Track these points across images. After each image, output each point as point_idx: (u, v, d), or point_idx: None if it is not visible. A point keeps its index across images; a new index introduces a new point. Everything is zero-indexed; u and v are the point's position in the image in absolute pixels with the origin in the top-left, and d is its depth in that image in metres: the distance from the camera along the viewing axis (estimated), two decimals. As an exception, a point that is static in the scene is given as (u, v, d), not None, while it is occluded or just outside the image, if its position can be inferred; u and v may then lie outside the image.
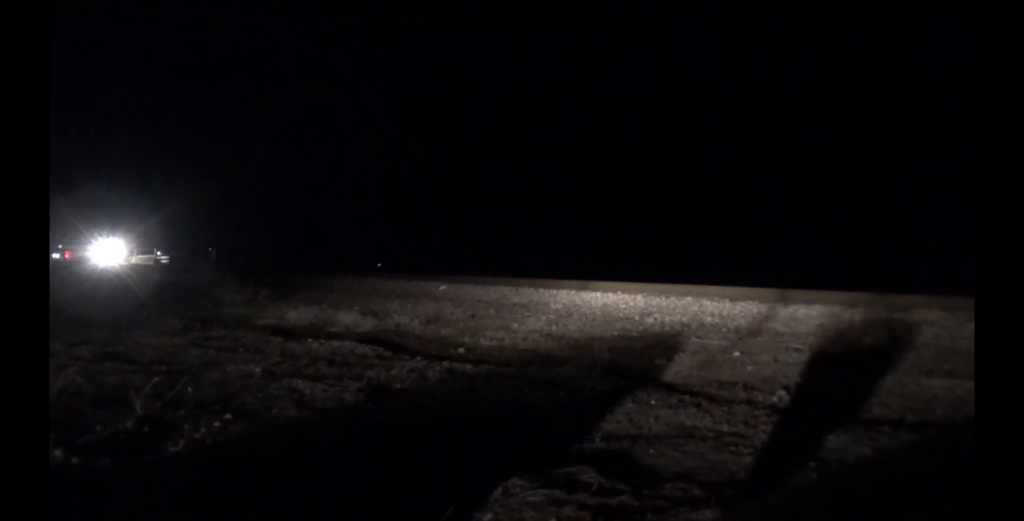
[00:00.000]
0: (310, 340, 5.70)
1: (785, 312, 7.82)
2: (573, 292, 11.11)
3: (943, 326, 6.28)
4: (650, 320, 7.50)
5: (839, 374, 4.40)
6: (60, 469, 2.42)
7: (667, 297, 9.78)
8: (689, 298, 9.54)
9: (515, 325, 7.23)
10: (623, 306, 9.02)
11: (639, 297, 9.94)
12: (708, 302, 9.01)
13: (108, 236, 26.76)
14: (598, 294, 10.64)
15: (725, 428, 3.14)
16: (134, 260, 27.18)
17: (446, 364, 4.70)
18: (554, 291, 11.32)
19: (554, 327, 7.03)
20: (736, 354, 5.24)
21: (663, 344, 5.80)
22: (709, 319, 7.51)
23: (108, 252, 26.23)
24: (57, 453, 2.54)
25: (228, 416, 3.17)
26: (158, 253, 28.40)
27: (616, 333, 6.62)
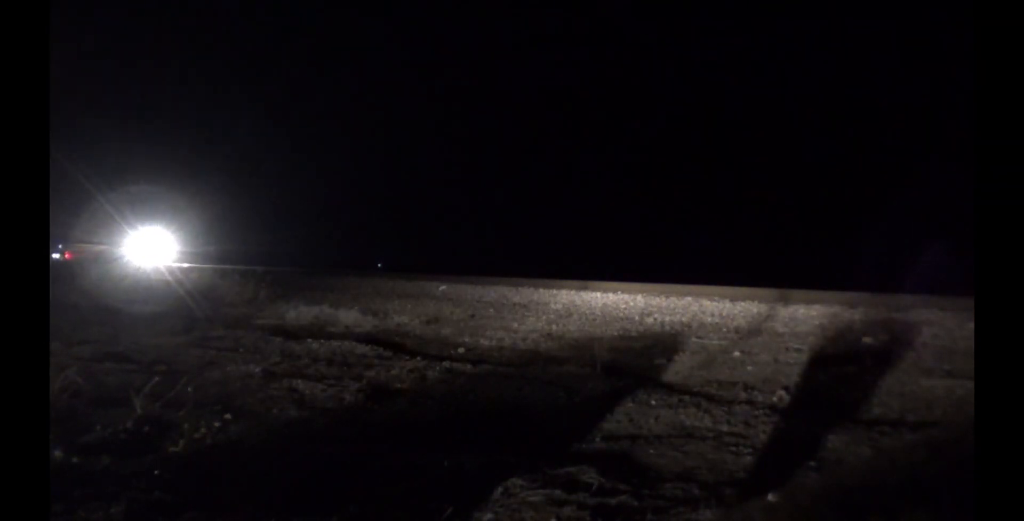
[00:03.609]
0: (310, 340, 5.70)
1: (785, 312, 7.81)
2: (573, 292, 11.11)
3: (943, 326, 6.28)
4: (650, 320, 7.50)
5: (839, 374, 4.40)
6: (60, 469, 2.43)
7: (667, 297, 9.78)
8: (689, 298, 9.53)
9: (515, 325, 7.23)
10: (623, 306, 9.02)
11: (639, 297, 9.94)
12: (708, 302, 9.01)
13: (146, 226, 24.50)
14: (598, 294, 10.64)
15: (725, 428, 3.14)
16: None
17: (446, 364, 4.70)
18: (554, 291, 11.32)
19: (554, 327, 7.03)
20: (736, 354, 5.24)
21: (663, 344, 5.80)
22: (709, 319, 7.51)
23: (146, 248, 23.30)
24: (57, 453, 2.55)
25: (228, 416, 3.17)
26: None
27: (616, 333, 6.62)
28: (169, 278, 12.87)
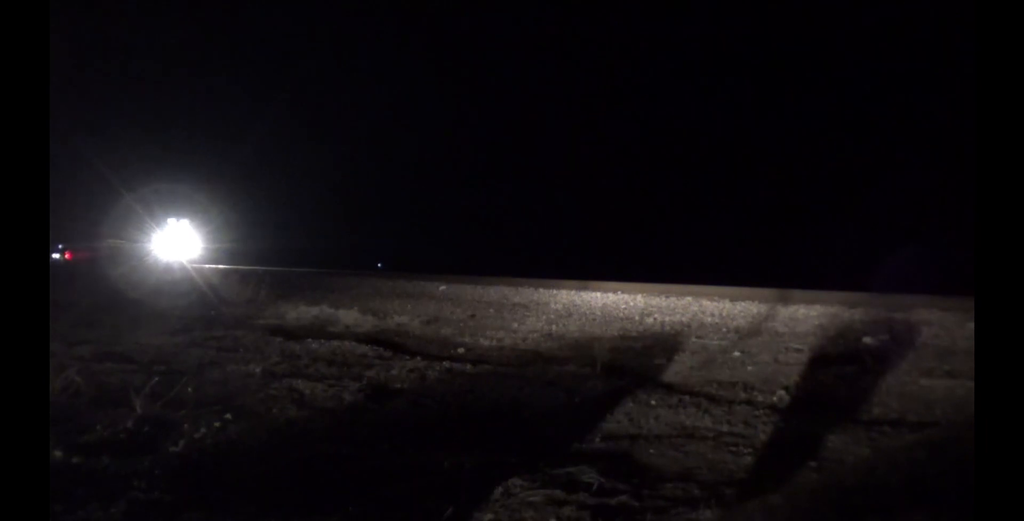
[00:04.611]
0: (310, 340, 5.70)
1: (785, 312, 7.81)
2: (573, 292, 11.11)
3: (943, 326, 6.28)
4: (650, 320, 7.50)
5: (839, 374, 4.40)
6: (60, 469, 2.43)
7: (667, 297, 9.78)
8: (689, 298, 9.53)
9: (515, 325, 7.23)
10: (623, 306, 9.02)
11: (639, 297, 9.94)
12: (708, 302, 9.01)
13: (172, 223, 24.46)
14: (598, 294, 10.63)
15: (725, 428, 3.14)
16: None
17: (446, 364, 4.70)
18: (554, 291, 11.32)
19: (554, 327, 7.03)
20: (736, 354, 5.24)
21: (663, 344, 5.79)
22: (709, 319, 7.51)
23: (171, 244, 24.02)
24: (57, 453, 2.55)
25: (228, 416, 3.17)
26: None
27: (616, 333, 6.62)
28: (181, 275, 13.06)
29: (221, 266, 19.17)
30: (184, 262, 19.91)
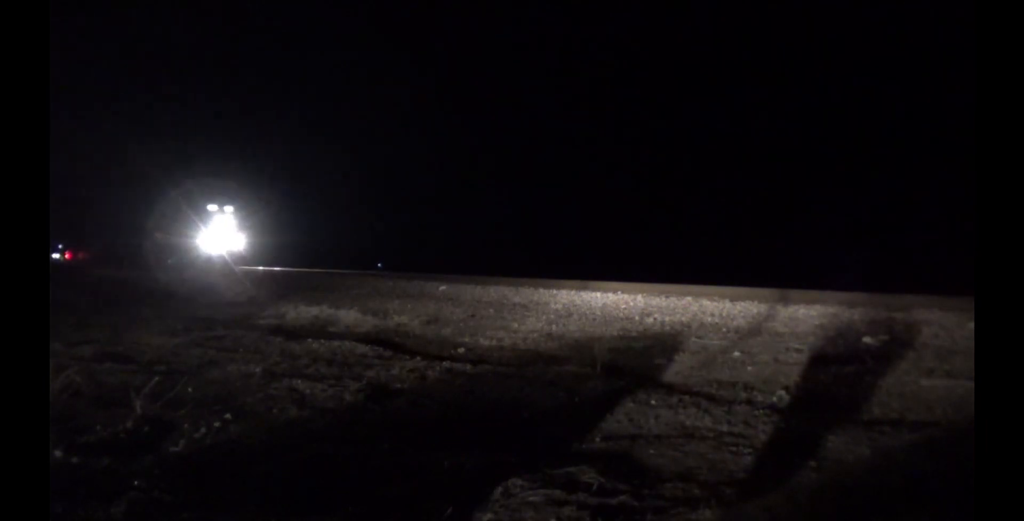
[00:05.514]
0: (310, 340, 5.70)
1: (785, 312, 7.81)
2: (573, 292, 11.10)
3: (943, 326, 6.27)
4: (650, 320, 7.50)
5: (839, 374, 4.40)
6: (60, 469, 2.43)
7: (667, 297, 9.77)
8: (689, 298, 9.53)
9: (515, 325, 7.23)
10: (623, 306, 9.02)
11: (639, 297, 9.93)
12: (708, 302, 9.00)
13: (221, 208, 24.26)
14: (598, 294, 10.62)
15: (725, 428, 3.14)
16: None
17: (446, 364, 4.70)
18: (554, 291, 11.31)
19: (554, 327, 7.03)
20: (736, 354, 5.24)
21: (663, 344, 5.79)
22: (709, 319, 7.50)
23: (214, 239, 23.87)
24: (57, 453, 2.55)
25: (228, 416, 3.17)
26: None
27: (616, 333, 6.62)
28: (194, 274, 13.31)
29: (227, 266, 19.43)
30: (226, 255, 20.23)
